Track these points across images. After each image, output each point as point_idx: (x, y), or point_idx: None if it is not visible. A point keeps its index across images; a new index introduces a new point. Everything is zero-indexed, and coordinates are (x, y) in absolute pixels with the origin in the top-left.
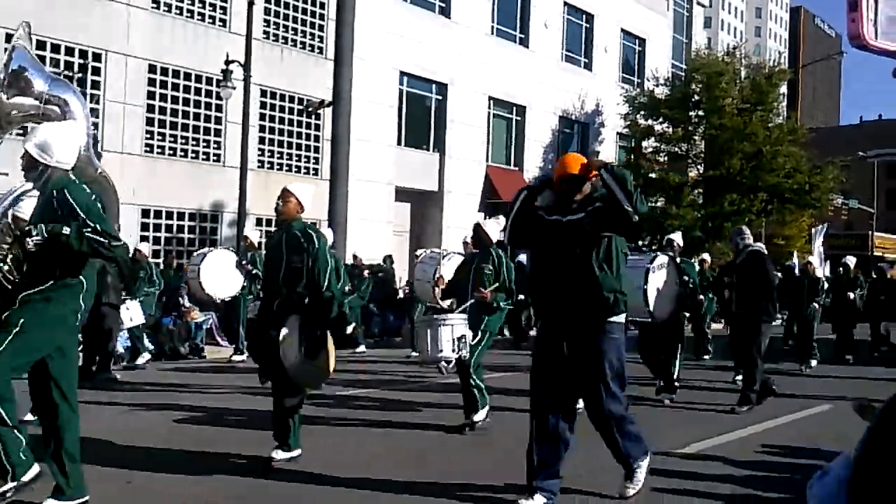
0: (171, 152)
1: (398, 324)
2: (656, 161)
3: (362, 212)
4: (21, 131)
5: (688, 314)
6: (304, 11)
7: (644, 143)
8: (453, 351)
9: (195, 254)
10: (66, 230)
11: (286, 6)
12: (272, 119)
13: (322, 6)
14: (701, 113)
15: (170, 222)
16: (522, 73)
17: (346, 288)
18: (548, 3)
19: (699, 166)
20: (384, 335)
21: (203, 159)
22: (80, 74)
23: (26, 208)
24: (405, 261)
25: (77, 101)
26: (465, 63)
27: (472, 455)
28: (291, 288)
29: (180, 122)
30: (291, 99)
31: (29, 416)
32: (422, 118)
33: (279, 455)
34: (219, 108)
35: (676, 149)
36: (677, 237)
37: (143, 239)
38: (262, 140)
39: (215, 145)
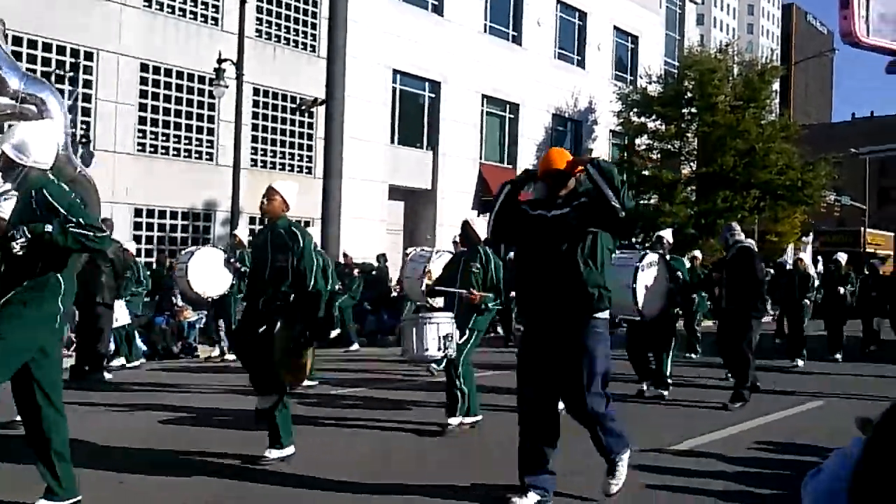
0: (164, 151)
1: (392, 322)
2: (649, 158)
3: (356, 210)
4: None
5: (679, 311)
6: (297, 10)
7: (637, 141)
8: (439, 350)
9: (183, 252)
10: (49, 228)
11: (278, 4)
12: (265, 117)
13: (315, 4)
14: (694, 110)
15: (163, 221)
16: (515, 70)
17: (337, 287)
18: (541, 0)
19: (692, 163)
20: (378, 333)
21: (196, 158)
22: (72, 74)
23: (6, 209)
24: (399, 259)
25: (54, 100)
26: (459, 61)
27: (464, 454)
28: (277, 287)
29: (173, 121)
30: (284, 97)
31: (19, 417)
32: (415, 116)
33: (272, 454)
34: (211, 107)
35: (669, 146)
36: (667, 234)
37: (137, 238)
38: (255, 139)
39: (208, 144)
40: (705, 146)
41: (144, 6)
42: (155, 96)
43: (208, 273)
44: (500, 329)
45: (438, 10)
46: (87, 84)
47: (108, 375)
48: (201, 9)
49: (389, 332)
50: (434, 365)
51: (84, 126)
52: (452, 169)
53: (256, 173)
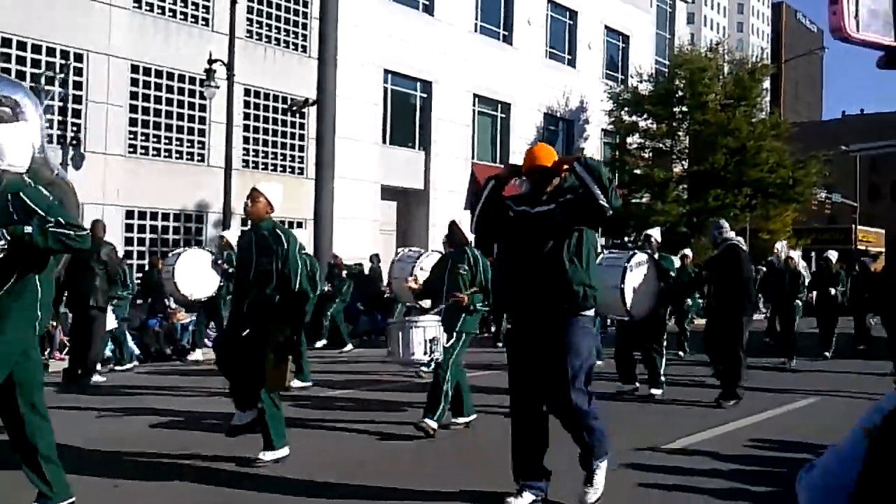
0: (155, 152)
1: (385, 323)
2: (641, 157)
3: (348, 210)
4: None
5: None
6: (287, 10)
7: (628, 140)
8: (425, 354)
9: (170, 254)
10: (28, 229)
11: (269, 5)
12: (256, 118)
13: (305, 5)
14: (685, 109)
15: (154, 223)
16: (507, 70)
17: (326, 288)
18: (531, 0)
19: (683, 162)
20: (371, 334)
21: (187, 159)
22: (61, 75)
23: None
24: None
25: (29, 101)
26: (450, 61)
27: (458, 454)
28: (261, 290)
29: (163, 122)
30: (275, 98)
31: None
32: (407, 116)
33: (266, 456)
34: (202, 108)
35: (661, 145)
36: (655, 233)
37: (128, 240)
38: (246, 139)
39: (199, 145)
40: (696, 145)
41: (134, 7)
42: (145, 97)
43: (196, 275)
44: (493, 328)
45: (429, 9)
46: (77, 85)
47: (100, 379)
48: (191, 10)
49: (383, 332)
50: (423, 367)
51: (74, 128)
52: (445, 169)
53: (248, 174)
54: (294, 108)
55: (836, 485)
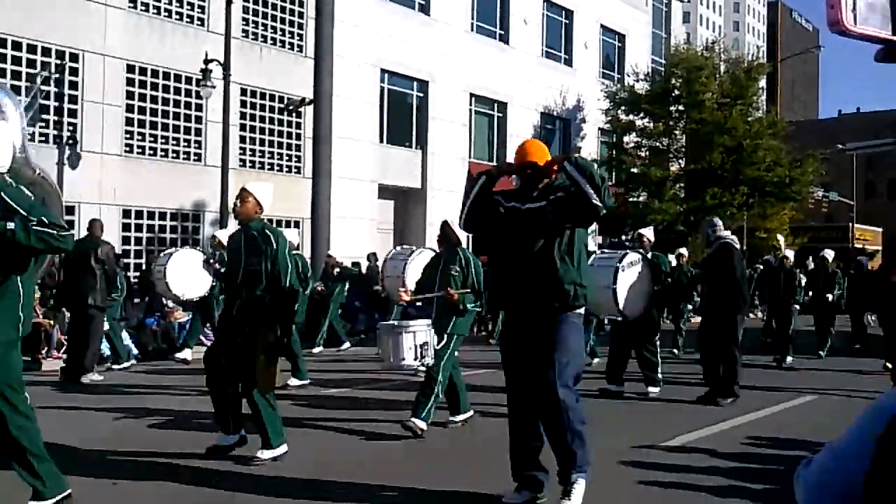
0: (152, 152)
1: (382, 321)
2: (638, 156)
3: (345, 210)
4: None
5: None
6: (283, 9)
7: (625, 139)
8: (415, 359)
9: (161, 254)
10: (11, 225)
11: (265, 4)
12: (252, 118)
13: (301, 4)
14: (681, 108)
15: (151, 222)
16: (503, 69)
17: (318, 287)
18: None
19: (680, 161)
20: (368, 332)
21: (184, 159)
22: (57, 75)
23: None
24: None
25: (9, 101)
26: (446, 60)
27: (456, 452)
28: (250, 290)
29: (160, 121)
30: (272, 97)
31: None
32: (403, 115)
33: (264, 455)
34: (199, 108)
35: (658, 143)
36: (648, 232)
37: (125, 240)
38: (242, 139)
39: (196, 145)
40: (693, 143)
41: (129, 7)
42: (142, 97)
43: (187, 275)
44: (490, 325)
45: (425, 9)
46: (73, 85)
47: (98, 377)
48: (187, 9)
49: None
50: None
51: (70, 128)
52: (442, 168)
53: (245, 174)
54: (291, 108)
55: (833, 481)
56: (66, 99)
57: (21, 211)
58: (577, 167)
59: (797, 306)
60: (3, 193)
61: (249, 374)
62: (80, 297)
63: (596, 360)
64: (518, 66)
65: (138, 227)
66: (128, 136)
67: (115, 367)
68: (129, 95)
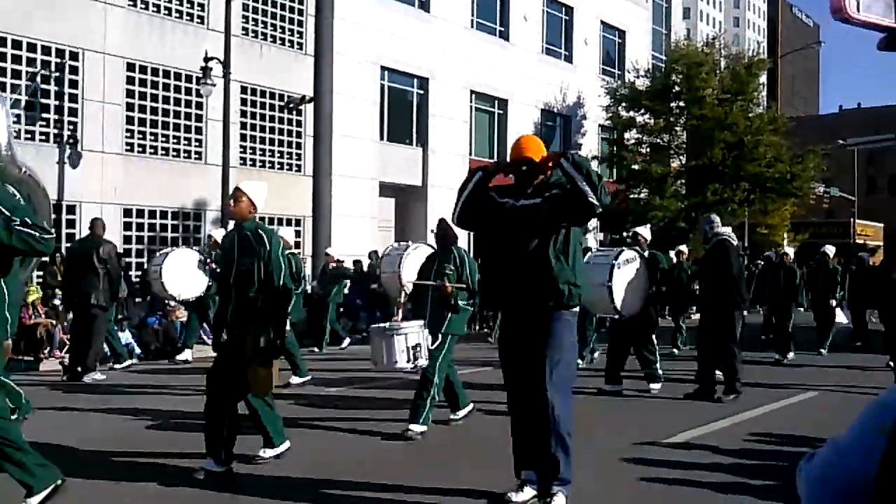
0: (152, 151)
1: (384, 320)
2: (638, 153)
3: (346, 207)
4: None
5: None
6: (283, 7)
7: (626, 135)
8: (408, 361)
9: (157, 254)
10: None
11: (264, 2)
12: (253, 116)
13: (301, 1)
14: (682, 104)
15: (152, 221)
16: (503, 66)
17: (312, 287)
18: None
19: (681, 157)
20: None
21: (184, 157)
22: (57, 74)
23: None
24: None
25: None
26: (446, 57)
27: (457, 451)
28: (243, 291)
29: (160, 120)
30: (272, 95)
31: None
32: (404, 113)
33: (266, 453)
34: (199, 106)
35: (658, 140)
36: (644, 231)
37: (126, 238)
38: (243, 137)
39: (196, 143)
40: (694, 140)
41: (129, 5)
42: (142, 96)
43: (183, 275)
44: (490, 322)
45: (425, 6)
46: (73, 84)
47: (100, 377)
48: (187, 7)
49: None
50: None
51: (71, 126)
52: (442, 165)
53: (245, 172)
54: (291, 106)
55: (835, 476)
56: (66, 98)
57: (4, 211)
58: (574, 164)
59: (801, 309)
60: None
61: (243, 379)
62: (84, 297)
63: (595, 356)
64: (518, 63)
65: (139, 226)
66: (128, 134)
67: (116, 366)
68: (130, 94)
